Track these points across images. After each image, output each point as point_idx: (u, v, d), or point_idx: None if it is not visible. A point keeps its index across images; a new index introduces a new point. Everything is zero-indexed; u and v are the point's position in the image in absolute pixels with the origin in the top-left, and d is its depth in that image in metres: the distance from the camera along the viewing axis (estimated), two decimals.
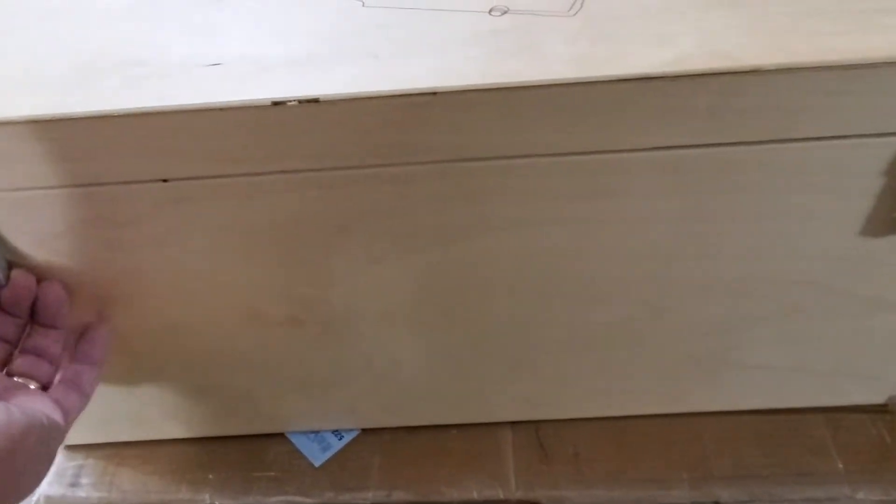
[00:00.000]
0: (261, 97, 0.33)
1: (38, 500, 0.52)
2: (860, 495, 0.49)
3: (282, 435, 0.54)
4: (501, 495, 0.50)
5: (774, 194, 0.38)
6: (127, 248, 0.39)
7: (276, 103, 0.33)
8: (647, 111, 0.34)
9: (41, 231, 0.38)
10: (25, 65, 0.37)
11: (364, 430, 0.54)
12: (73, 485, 0.52)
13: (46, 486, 0.52)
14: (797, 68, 0.32)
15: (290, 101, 0.33)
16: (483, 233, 0.40)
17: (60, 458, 0.54)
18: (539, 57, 0.34)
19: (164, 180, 0.36)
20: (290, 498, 0.51)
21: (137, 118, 0.33)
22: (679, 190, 0.37)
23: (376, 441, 0.54)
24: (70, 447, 0.54)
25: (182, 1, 0.41)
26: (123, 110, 0.33)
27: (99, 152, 0.34)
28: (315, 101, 0.33)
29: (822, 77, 0.33)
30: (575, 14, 0.37)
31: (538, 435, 0.53)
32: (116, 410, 0.51)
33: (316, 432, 0.54)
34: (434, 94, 0.33)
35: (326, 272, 0.42)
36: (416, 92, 0.33)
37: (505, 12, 0.37)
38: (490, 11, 0.37)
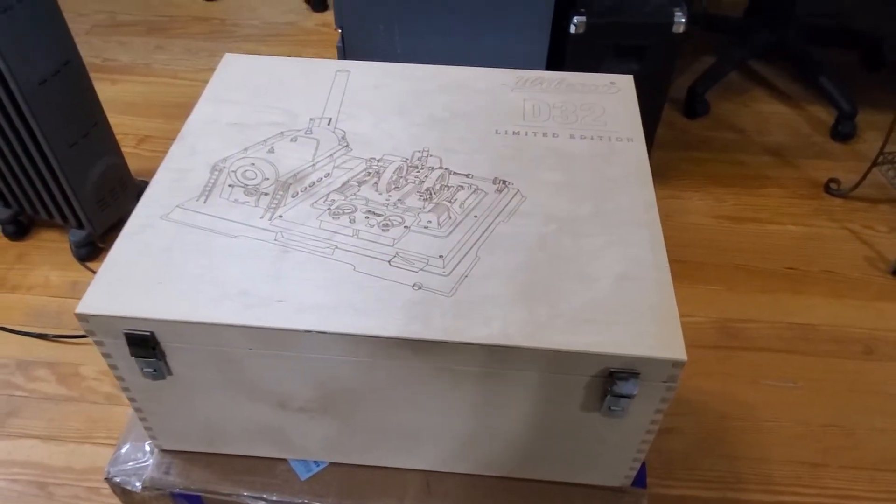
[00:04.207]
0: (299, 328, 0.73)
1: (144, 482, 0.92)
2: None
3: (285, 460, 0.95)
4: None
5: (535, 392, 0.78)
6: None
7: (305, 331, 0.73)
8: (475, 356, 0.74)
9: None
10: (188, 292, 0.77)
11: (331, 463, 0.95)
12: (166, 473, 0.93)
13: (149, 471, 0.93)
14: (539, 349, 0.73)
15: (314, 331, 0.73)
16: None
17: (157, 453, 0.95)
18: (428, 325, 0.74)
19: (250, 349, 0.77)
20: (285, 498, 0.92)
21: (247, 329, 0.74)
22: (485, 381, 0.78)
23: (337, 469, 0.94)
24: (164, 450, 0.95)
25: (263, 252, 0.81)
26: (243, 324, 0.74)
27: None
28: (323, 332, 0.73)
29: (551, 354, 0.73)
30: (452, 295, 0.77)
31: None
32: (197, 436, 0.92)
33: (304, 461, 0.95)
34: (376, 337, 0.73)
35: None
36: (371, 335, 0.73)
37: (420, 287, 0.78)
38: (413, 286, 0.78)
